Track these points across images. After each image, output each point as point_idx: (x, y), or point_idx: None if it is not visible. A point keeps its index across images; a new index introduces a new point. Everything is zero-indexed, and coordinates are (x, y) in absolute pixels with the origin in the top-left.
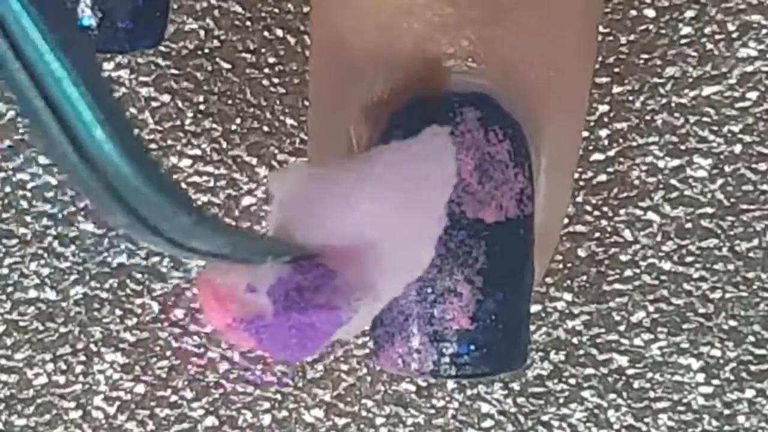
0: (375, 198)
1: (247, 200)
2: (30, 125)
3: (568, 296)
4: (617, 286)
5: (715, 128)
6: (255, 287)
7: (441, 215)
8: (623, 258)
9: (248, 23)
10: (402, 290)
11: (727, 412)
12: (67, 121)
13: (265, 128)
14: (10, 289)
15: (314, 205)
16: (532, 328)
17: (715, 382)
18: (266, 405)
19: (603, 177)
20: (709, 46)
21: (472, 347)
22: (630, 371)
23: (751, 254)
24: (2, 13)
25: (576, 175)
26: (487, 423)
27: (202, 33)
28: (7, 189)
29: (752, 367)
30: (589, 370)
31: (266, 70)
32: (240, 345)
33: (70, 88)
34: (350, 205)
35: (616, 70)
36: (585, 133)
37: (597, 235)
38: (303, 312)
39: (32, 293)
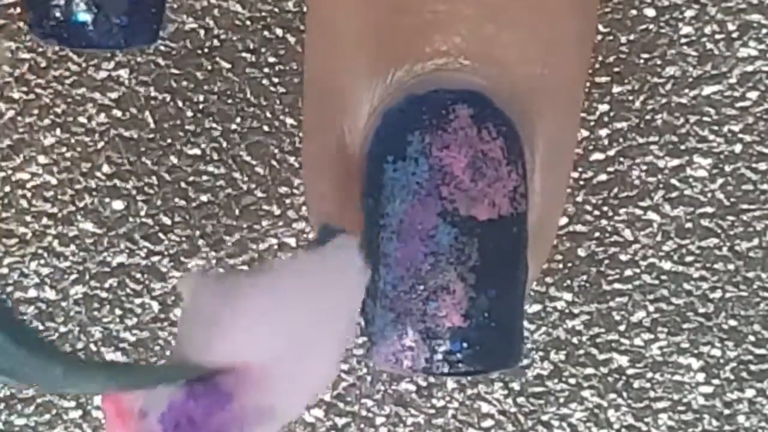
0: (275, 315)
1: (247, 200)
2: None
3: (568, 296)
4: (617, 286)
5: (715, 128)
6: (146, 413)
7: (343, 334)
8: (623, 258)
9: (248, 23)
10: (303, 409)
11: (727, 412)
12: None
13: (265, 128)
14: (10, 288)
15: (213, 321)
16: (532, 328)
17: (715, 382)
18: None
19: (603, 177)
20: (709, 45)
21: (465, 345)
22: (630, 371)
23: (751, 254)
24: None
25: (576, 175)
26: (487, 423)
27: (202, 33)
28: (7, 189)
29: (752, 367)
30: (589, 370)
31: (266, 70)
32: None
33: None
34: (250, 322)
35: (616, 70)
36: (585, 133)
37: (597, 235)
38: None
39: (32, 293)
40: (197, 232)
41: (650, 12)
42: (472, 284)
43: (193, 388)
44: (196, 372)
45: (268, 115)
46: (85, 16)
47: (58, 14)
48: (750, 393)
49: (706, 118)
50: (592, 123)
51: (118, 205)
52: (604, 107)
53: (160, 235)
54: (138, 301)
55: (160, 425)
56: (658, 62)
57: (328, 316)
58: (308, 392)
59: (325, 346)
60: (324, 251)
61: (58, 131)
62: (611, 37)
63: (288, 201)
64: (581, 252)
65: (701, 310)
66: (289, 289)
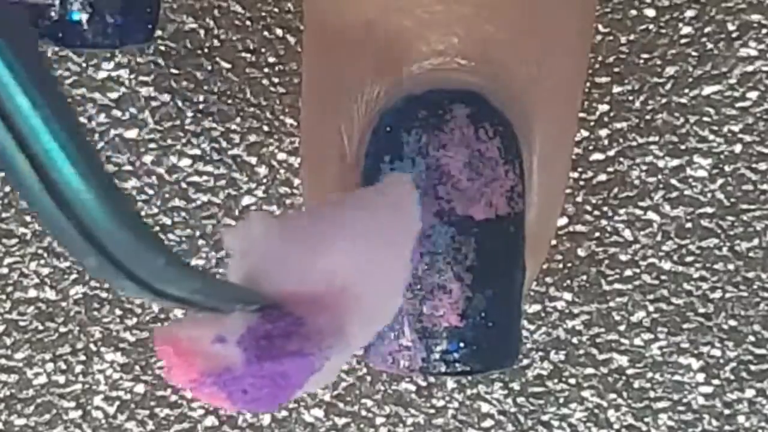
0: (342, 245)
1: (247, 200)
2: (3, 169)
3: (568, 296)
4: (617, 286)
5: (715, 128)
6: (224, 338)
7: (407, 262)
8: (623, 258)
9: (248, 23)
10: (373, 337)
11: (727, 412)
12: (37, 159)
13: (265, 128)
14: (10, 289)
15: (281, 253)
16: (532, 328)
17: (715, 382)
18: None
19: (603, 177)
20: (709, 45)
21: (462, 344)
22: (630, 371)
23: (751, 254)
24: None
25: (576, 175)
26: (487, 423)
27: (202, 33)
28: (7, 189)
29: (752, 367)
30: (589, 370)
31: (266, 70)
32: (208, 401)
33: (40, 127)
34: (317, 252)
35: (616, 70)
36: (585, 133)
37: (597, 235)
38: (275, 360)
39: (32, 293)
40: (197, 232)
41: (650, 12)
42: (469, 284)
43: (268, 312)
44: (268, 299)
45: (268, 115)
46: (79, 16)
47: (53, 14)
48: (750, 393)
49: (706, 118)
50: (592, 123)
51: None
52: (604, 107)
53: (160, 235)
54: (138, 301)
55: (240, 347)
56: (658, 62)
57: (391, 243)
58: (376, 319)
59: (390, 272)
60: (382, 186)
61: None
62: (611, 37)
63: (288, 201)
64: (581, 252)
65: (701, 310)
66: (356, 219)
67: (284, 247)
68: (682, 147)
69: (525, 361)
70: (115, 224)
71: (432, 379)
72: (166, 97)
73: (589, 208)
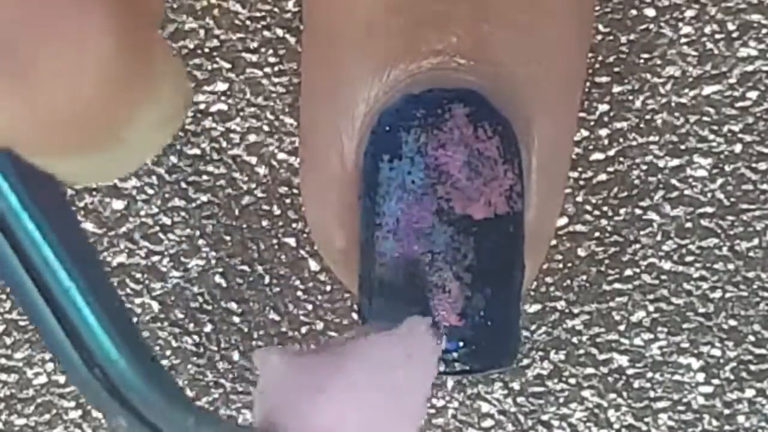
0: (347, 391)
1: (247, 200)
2: (36, 328)
3: (568, 296)
4: (617, 285)
5: (715, 128)
6: None
7: (420, 410)
8: (623, 258)
9: (248, 23)
10: None
11: (727, 411)
12: (71, 324)
13: (265, 128)
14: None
15: (293, 395)
16: (532, 328)
17: (715, 381)
18: None
19: (603, 177)
20: (709, 45)
21: (461, 344)
22: (630, 371)
23: (751, 254)
24: (9, 224)
25: (576, 175)
26: (487, 423)
27: (202, 32)
28: None
29: (752, 367)
30: (589, 370)
31: (266, 70)
32: None
33: (77, 296)
34: (322, 398)
35: (616, 69)
36: (585, 133)
37: (597, 235)
38: None
39: None
40: (197, 232)
41: (650, 12)
42: (468, 283)
43: None
44: None
45: (268, 115)
46: None
47: None
48: (750, 393)
49: (706, 118)
50: (592, 123)
51: (118, 205)
52: (604, 107)
53: (160, 235)
54: (138, 301)
55: None
56: (658, 62)
57: (404, 393)
58: None
59: (401, 421)
60: (399, 332)
61: None
62: (611, 37)
63: (288, 201)
64: (581, 252)
65: (701, 310)
66: (370, 369)
67: (296, 389)
68: (682, 147)
69: (525, 361)
70: (148, 386)
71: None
72: None
73: (589, 208)
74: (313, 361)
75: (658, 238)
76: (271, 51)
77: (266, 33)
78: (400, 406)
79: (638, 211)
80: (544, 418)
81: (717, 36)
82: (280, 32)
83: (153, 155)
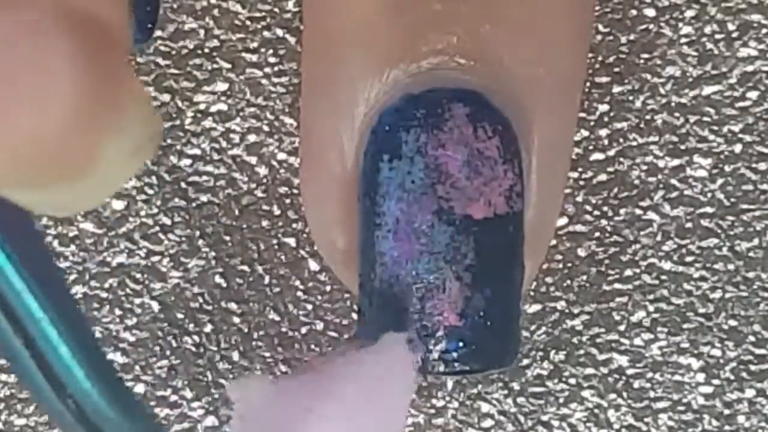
0: (336, 410)
1: (247, 200)
2: (7, 359)
3: (568, 296)
4: (617, 286)
5: (715, 128)
6: None
7: (404, 414)
8: (623, 258)
9: (248, 23)
10: None
11: (727, 412)
12: (42, 355)
13: (265, 128)
14: None
15: (277, 419)
16: (532, 328)
17: (715, 382)
18: None
19: (603, 177)
20: (709, 45)
21: (461, 344)
22: (630, 371)
23: (751, 254)
24: None
25: (576, 175)
26: (487, 423)
27: (202, 33)
28: None
29: (752, 367)
30: (589, 370)
31: (266, 70)
32: None
33: (48, 327)
34: (312, 418)
35: (616, 70)
36: (585, 133)
37: (597, 235)
38: None
39: None
40: (197, 232)
41: (650, 12)
42: (467, 283)
43: None
44: None
45: (268, 115)
46: None
47: None
48: (750, 393)
49: (706, 118)
50: (592, 123)
51: (118, 205)
52: (604, 107)
53: (160, 235)
54: (138, 301)
55: None
56: (658, 62)
57: (385, 408)
58: None
59: None
60: (377, 348)
61: None
62: (611, 37)
63: (288, 201)
64: (581, 252)
65: (701, 310)
66: (347, 383)
67: (280, 413)
68: (682, 147)
69: (525, 361)
70: (119, 415)
71: (432, 379)
72: (166, 97)
73: (589, 208)
74: (297, 383)
75: (658, 238)
76: (271, 51)
77: (266, 33)
78: (383, 420)
79: (638, 211)
80: (544, 418)
81: (717, 36)
82: (280, 32)
83: (125, 183)
